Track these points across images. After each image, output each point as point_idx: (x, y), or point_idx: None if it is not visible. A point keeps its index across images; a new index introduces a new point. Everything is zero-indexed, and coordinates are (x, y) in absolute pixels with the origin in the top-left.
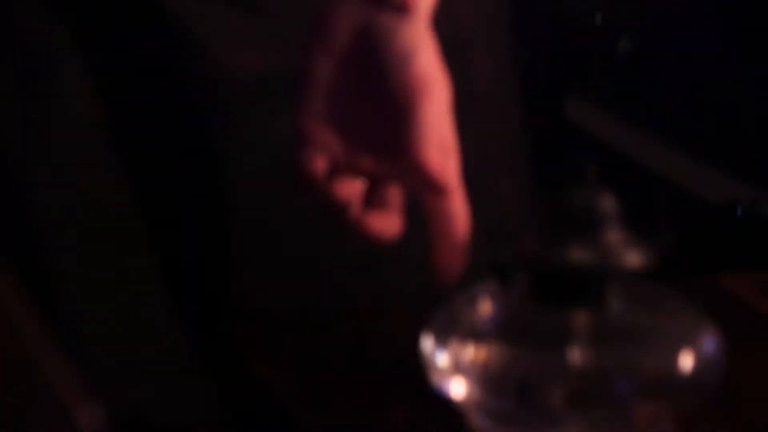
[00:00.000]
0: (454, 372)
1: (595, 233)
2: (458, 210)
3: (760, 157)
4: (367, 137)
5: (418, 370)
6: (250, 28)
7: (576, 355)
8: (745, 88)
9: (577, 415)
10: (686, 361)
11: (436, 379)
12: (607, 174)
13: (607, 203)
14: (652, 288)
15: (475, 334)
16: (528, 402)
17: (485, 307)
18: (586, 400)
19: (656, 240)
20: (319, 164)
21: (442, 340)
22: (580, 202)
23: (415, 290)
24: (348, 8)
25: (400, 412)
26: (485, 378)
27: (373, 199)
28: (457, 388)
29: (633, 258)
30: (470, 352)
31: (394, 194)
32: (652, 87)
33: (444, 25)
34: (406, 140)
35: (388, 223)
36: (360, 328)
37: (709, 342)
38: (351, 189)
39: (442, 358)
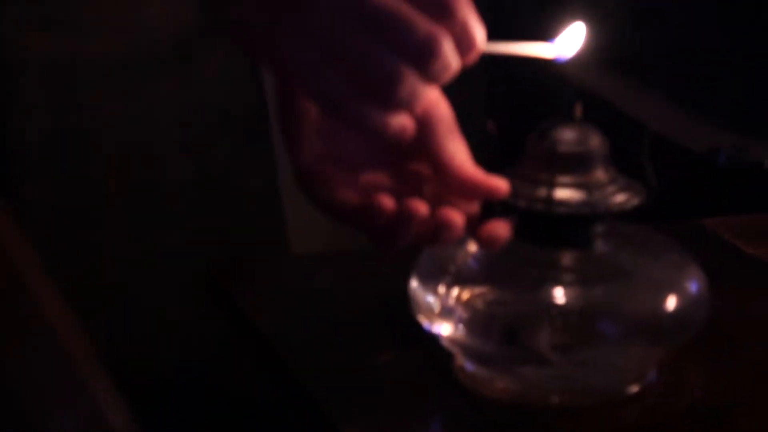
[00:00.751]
0: (440, 314)
1: (582, 173)
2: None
3: (741, 105)
4: (376, 159)
5: (406, 312)
6: (36, 13)
7: (562, 295)
8: (724, 37)
9: (562, 356)
10: (672, 302)
11: (423, 321)
12: (593, 119)
13: (594, 143)
14: (638, 229)
15: (461, 276)
16: (514, 344)
17: (471, 248)
18: (571, 340)
19: (642, 182)
20: (340, 196)
21: (428, 282)
22: (567, 141)
23: None
24: None
25: (388, 354)
26: (472, 320)
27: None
28: (444, 330)
29: (620, 198)
30: (457, 294)
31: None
32: (636, 34)
33: None
34: (437, 159)
35: (455, 217)
36: (348, 271)
37: (695, 283)
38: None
39: (429, 300)
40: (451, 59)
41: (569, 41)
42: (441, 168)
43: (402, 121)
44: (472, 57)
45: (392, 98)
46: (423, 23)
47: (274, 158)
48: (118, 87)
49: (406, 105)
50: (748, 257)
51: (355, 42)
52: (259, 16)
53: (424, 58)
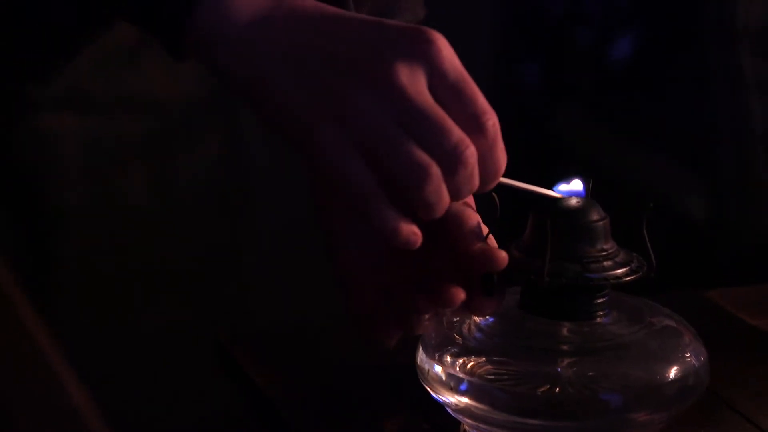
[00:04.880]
0: (447, 383)
1: (583, 246)
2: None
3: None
4: (400, 257)
5: (413, 381)
6: (69, 95)
7: (565, 366)
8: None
9: (565, 425)
10: (672, 372)
11: (430, 390)
12: (596, 188)
13: (595, 216)
14: (638, 300)
15: (467, 346)
16: (519, 411)
17: (477, 319)
18: (574, 410)
19: (644, 254)
20: (369, 302)
21: (435, 352)
22: (568, 215)
23: None
24: None
25: (396, 423)
26: (477, 389)
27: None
28: (451, 400)
29: (619, 271)
30: (462, 364)
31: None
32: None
33: None
34: (447, 240)
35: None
36: (355, 340)
37: (694, 352)
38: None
39: (435, 370)
40: (475, 173)
41: (575, 190)
42: (448, 238)
43: (413, 230)
44: (492, 183)
45: (418, 195)
46: (457, 131)
47: (263, 235)
48: (137, 160)
49: (428, 206)
50: (751, 328)
51: (390, 134)
52: (298, 94)
53: (452, 164)
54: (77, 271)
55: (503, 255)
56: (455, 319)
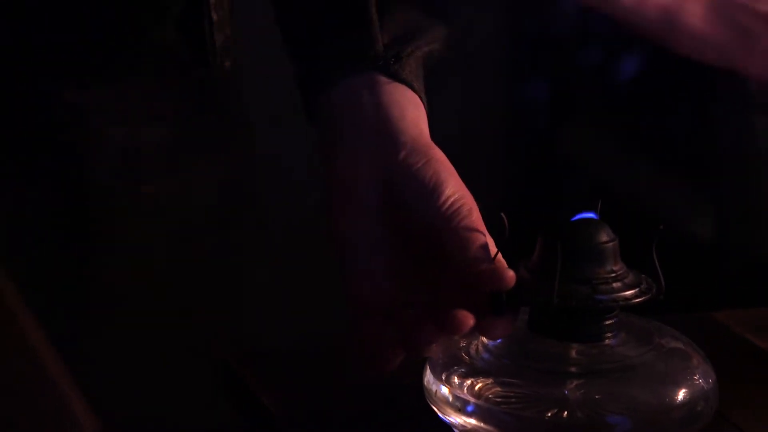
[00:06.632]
0: (454, 404)
1: (592, 267)
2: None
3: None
4: (410, 272)
5: (421, 401)
6: (109, 107)
7: (572, 388)
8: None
9: None
10: (679, 395)
11: (437, 411)
12: (605, 213)
13: (604, 238)
14: (646, 322)
15: (474, 367)
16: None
17: (484, 340)
18: None
19: (653, 276)
20: (376, 326)
21: (442, 373)
22: (577, 236)
23: None
24: (365, 161)
25: None
26: (484, 410)
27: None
28: (458, 421)
29: (628, 293)
30: (469, 385)
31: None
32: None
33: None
34: (455, 261)
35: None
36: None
37: (702, 375)
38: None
39: (442, 391)
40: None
41: None
42: (456, 259)
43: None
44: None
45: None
46: None
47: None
48: (165, 168)
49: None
50: (758, 350)
51: None
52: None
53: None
54: (75, 282)
55: (511, 274)
56: (462, 340)
